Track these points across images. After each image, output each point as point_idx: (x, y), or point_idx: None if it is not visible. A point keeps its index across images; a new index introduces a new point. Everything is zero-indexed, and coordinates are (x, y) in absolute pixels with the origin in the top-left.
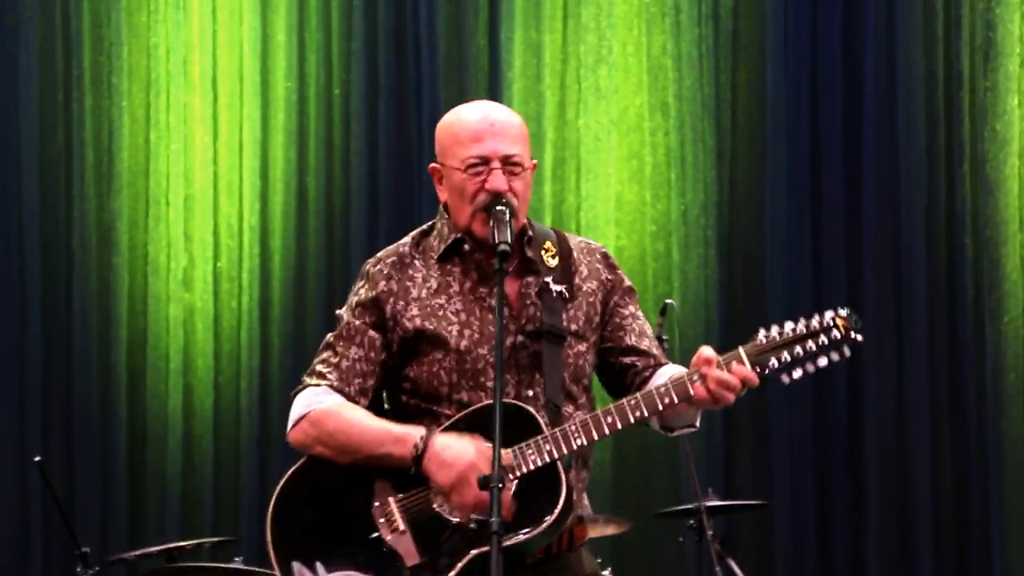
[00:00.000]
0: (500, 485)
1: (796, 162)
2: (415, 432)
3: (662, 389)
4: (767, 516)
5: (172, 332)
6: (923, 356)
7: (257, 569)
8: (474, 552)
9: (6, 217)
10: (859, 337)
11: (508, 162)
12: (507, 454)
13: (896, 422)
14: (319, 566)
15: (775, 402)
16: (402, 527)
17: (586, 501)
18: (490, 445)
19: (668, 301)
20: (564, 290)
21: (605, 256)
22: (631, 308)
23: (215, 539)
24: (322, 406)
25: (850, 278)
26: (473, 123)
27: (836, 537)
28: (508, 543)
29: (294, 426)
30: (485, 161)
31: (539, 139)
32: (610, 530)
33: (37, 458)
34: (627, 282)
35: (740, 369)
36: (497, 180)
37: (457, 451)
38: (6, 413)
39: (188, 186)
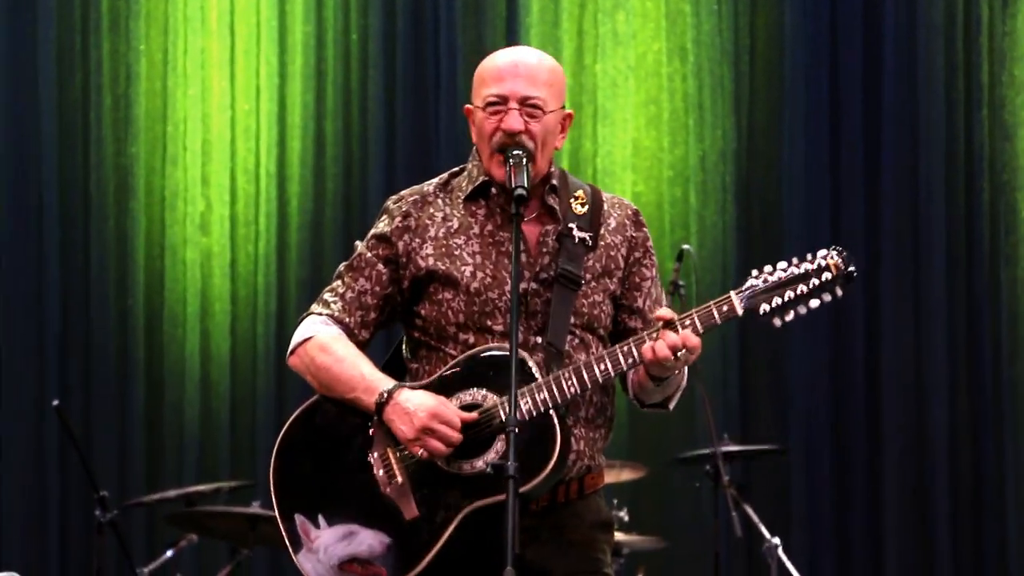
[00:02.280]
0: (515, 429)
1: (814, 108)
2: (385, 383)
3: (645, 336)
4: (783, 462)
5: (189, 276)
6: (940, 301)
7: (274, 513)
8: (471, 506)
9: (24, 162)
10: (852, 269)
11: (526, 103)
12: (493, 400)
13: (913, 367)
14: (321, 518)
15: (792, 348)
16: (400, 479)
17: (600, 456)
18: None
19: (685, 247)
20: (588, 238)
21: (636, 214)
22: (652, 272)
23: (233, 483)
24: (319, 337)
25: (868, 223)
26: (500, 64)
27: (852, 482)
28: (496, 499)
29: (292, 352)
30: (503, 100)
31: None
32: (626, 475)
33: (55, 402)
34: (650, 243)
35: (685, 333)
36: (512, 120)
37: (417, 402)
38: (24, 358)
39: (205, 131)
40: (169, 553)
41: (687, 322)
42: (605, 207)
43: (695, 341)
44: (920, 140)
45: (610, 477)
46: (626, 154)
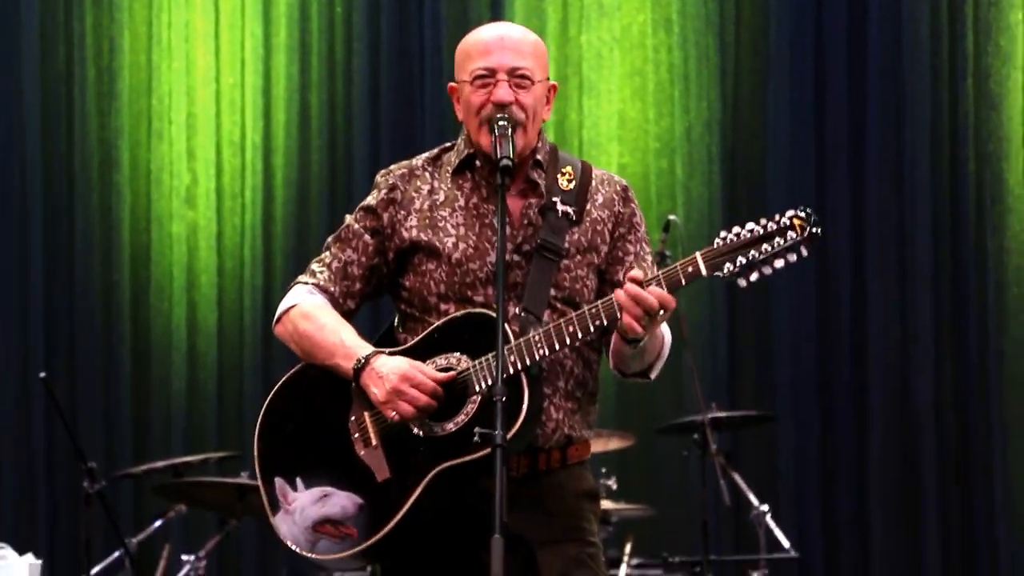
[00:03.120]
0: (503, 397)
1: (800, 78)
2: (363, 349)
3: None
4: (771, 430)
5: (175, 249)
6: (926, 270)
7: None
8: (439, 467)
9: (7, 135)
10: (817, 231)
11: (515, 75)
12: (467, 363)
13: (899, 335)
14: (299, 481)
15: (778, 316)
16: (374, 441)
17: (582, 428)
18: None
19: (671, 217)
20: (572, 212)
21: (625, 190)
22: (637, 247)
23: (220, 454)
24: (302, 306)
25: (853, 193)
26: (486, 38)
27: (840, 449)
28: (473, 456)
29: (278, 320)
30: (492, 73)
31: None
32: (614, 444)
33: (42, 374)
34: (638, 218)
35: (657, 291)
36: (502, 91)
37: (391, 367)
38: (9, 330)
39: (190, 104)
40: (157, 523)
41: (652, 283)
42: (593, 183)
43: (668, 296)
44: (905, 110)
45: (598, 446)
46: (612, 126)
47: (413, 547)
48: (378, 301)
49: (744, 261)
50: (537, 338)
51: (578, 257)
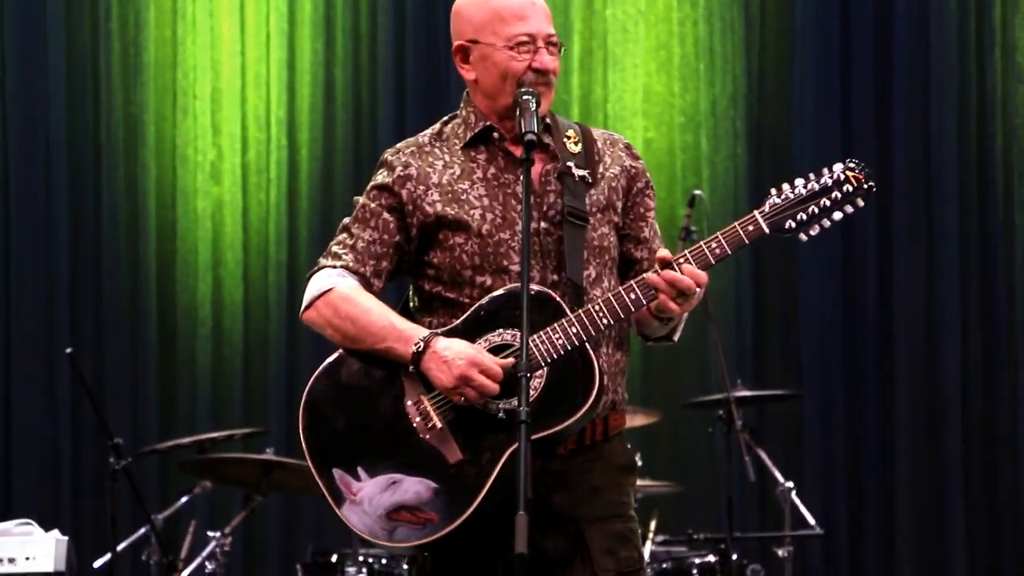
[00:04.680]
0: (528, 374)
1: (826, 52)
2: (418, 332)
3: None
4: (796, 407)
5: (201, 225)
6: (953, 243)
7: (287, 460)
8: (516, 445)
9: (32, 109)
10: (872, 185)
11: (549, 42)
12: (517, 337)
13: (925, 311)
14: (360, 471)
15: (804, 292)
16: (439, 424)
17: (623, 387)
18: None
19: (696, 192)
20: (587, 174)
21: (628, 146)
22: (652, 203)
23: (246, 430)
24: (339, 289)
25: (880, 168)
26: (515, 1)
27: (865, 425)
28: (542, 434)
29: (309, 306)
30: (532, 39)
31: (567, 30)
32: (639, 421)
33: (68, 350)
34: (648, 175)
35: (689, 268)
36: (546, 59)
37: (457, 350)
38: (36, 306)
39: (216, 79)
40: (183, 500)
41: (713, 245)
42: (598, 144)
43: (700, 274)
44: (932, 82)
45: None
46: (637, 100)
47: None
48: (396, 279)
49: (804, 216)
50: (598, 308)
51: (599, 215)
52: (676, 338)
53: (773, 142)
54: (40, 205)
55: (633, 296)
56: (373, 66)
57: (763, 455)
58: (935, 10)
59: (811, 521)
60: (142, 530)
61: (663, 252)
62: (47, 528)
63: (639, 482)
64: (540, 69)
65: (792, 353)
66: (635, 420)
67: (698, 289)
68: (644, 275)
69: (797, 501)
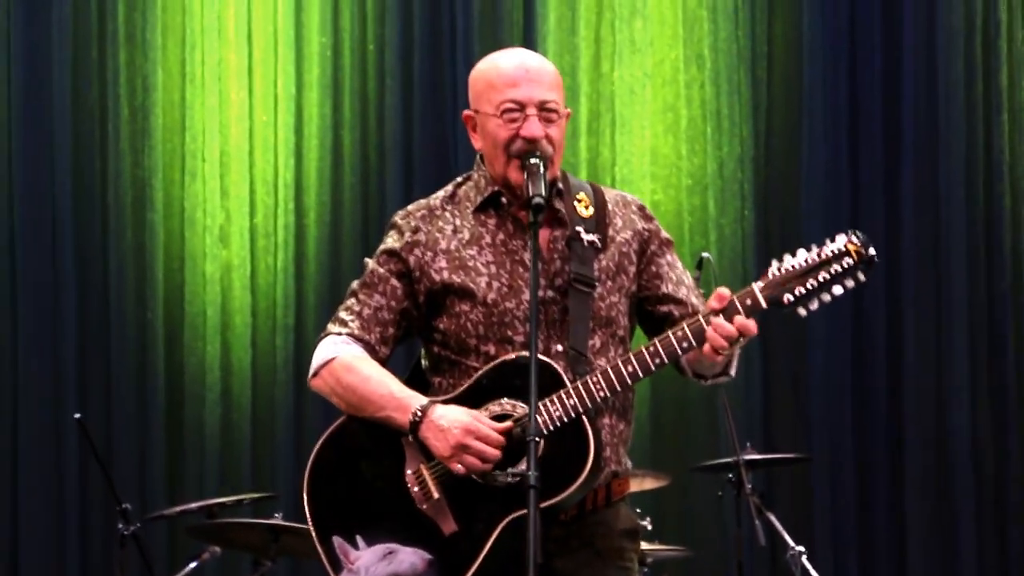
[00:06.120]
0: (537, 439)
1: (833, 114)
2: (416, 400)
3: (679, 332)
4: (806, 470)
5: (209, 289)
6: (962, 307)
7: (296, 524)
8: (509, 516)
9: (40, 174)
10: (872, 253)
11: (543, 108)
12: (523, 409)
13: (935, 374)
14: (359, 539)
15: (813, 354)
16: (436, 494)
17: (625, 456)
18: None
19: (704, 255)
20: (596, 239)
21: (642, 208)
22: (668, 257)
23: (254, 495)
24: (342, 358)
25: (888, 230)
26: (509, 68)
27: (875, 489)
28: (542, 505)
29: (315, 374)
30: (520, 107)
31: (574, 92)
32: (648, 484)
33: (77, 415)
34: (664, 233)
35: (740, 320)
36: (533, 127)
37: (452, 418)
38: (43, 371)
39: (224, 142)
40: (192, 565)
41: (732, 312)
42: (610, 207)
43: (749, 324)
44: (940, 145)
45: (632, 486)
46: (644, 162)
47: None
48: (409, 342)
49: (803, 290)
50: (596, 380)
51: (609, 283)
52: (733, 372)
53: (781, 204)
54: (47, 269)
55: (630, 369)
56: (380, 129)
57: (773, 519)
58: (942, 72)
59: None
60: None
61: (713, 302)
62: None
63: (648, 546)
64: (529, 137)
65: (802, 416)
66: (644, 484)
67: (741, 338)
68: (655, 340)
69: (808, 565)
